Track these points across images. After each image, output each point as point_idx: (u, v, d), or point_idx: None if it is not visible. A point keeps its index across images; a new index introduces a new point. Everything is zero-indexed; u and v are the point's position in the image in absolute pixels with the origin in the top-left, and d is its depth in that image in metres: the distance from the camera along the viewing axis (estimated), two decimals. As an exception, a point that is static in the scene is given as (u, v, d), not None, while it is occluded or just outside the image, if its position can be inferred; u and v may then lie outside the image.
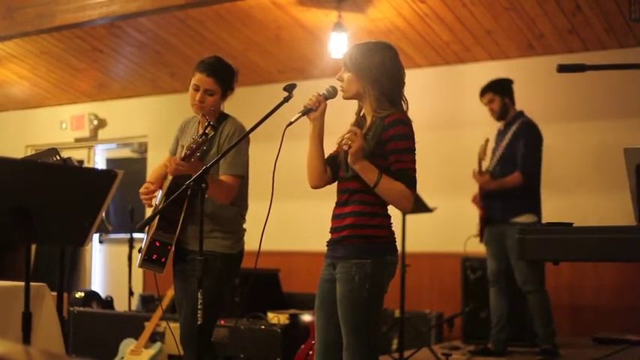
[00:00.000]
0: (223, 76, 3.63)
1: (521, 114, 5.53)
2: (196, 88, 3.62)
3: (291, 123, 2.96)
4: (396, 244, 3.05)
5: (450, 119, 7.13)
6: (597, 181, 6.48)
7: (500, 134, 5.55)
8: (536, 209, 5.37)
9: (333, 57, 6.60)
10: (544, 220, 5.28)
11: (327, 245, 3.10)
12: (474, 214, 6.19)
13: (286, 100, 3.11)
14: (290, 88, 3.12)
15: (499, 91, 5.54)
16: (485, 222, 5.48)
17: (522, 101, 5.84)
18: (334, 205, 3.11)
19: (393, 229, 3.05)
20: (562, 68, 2.68)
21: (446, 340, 6.24)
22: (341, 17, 6.41)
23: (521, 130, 5.40)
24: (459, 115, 7.10)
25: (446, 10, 6.19)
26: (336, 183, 3.13)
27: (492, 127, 6.61)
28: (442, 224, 6.61)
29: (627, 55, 6.31)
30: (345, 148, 2.95)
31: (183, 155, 3.29)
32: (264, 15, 6.63)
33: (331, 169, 3.14)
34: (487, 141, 5.45)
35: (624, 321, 6.13)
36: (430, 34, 6.62)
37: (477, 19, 6.28)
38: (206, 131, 3.23)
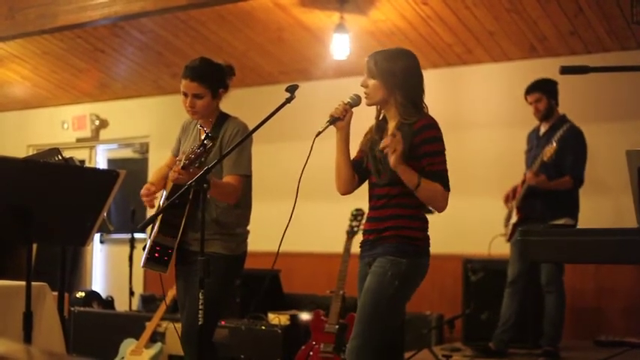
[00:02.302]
0: (208, 77, 3.62)
1: (565, 118, 5.48)
2: (185, 95, 3.64)
3: (319, 133, 3.01)
4: (430, 248, 3.11)
5: (452, 121, 7.09)
6: (597, 182, 6.47)
7: (544, 136, 5.47)
8: (574, 213, 5.35)
9: (335, 58, 6.60)
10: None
11: (362, 246, 3.16)
12: (475, 215, 6.19)
13: (288, 101, 3.11)
14: (292, 89, 3.13)
15: (547, 92, 5.50)
16: (520, 222, 5.45)
17: (523, 103, 5.83)
18: (368, 208, 3.18)
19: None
20: (565, 70, 2.68)
21: (446, 342, 6.23)
22: (343, 19, 6.41)
23: (570, 136, 5.33)
24: (461, 117, 7.09)
25: (448, 12, 6.19)
26: (368, 188, 3.19)
27: (494, 129, 6.61)
28: (443, 226, 6.54)
29: (629, 58, 6.31)
30: (390, 152, 2.96)
31: (182, 165, 3.28)
32: (266, 16, 6.63)
33: (358, 174, 3.20)
34: (554, 147, 5.18)
35: (625, 323, 6.12)
36: (432, 35, 6.62)
37: (479, 21, 6.28)
38: (204, 142, 3.22)
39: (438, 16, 6.29)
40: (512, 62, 6.87)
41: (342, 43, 6.42)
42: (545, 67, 6.56)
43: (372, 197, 3.15)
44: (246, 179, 3.61)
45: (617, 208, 6.23)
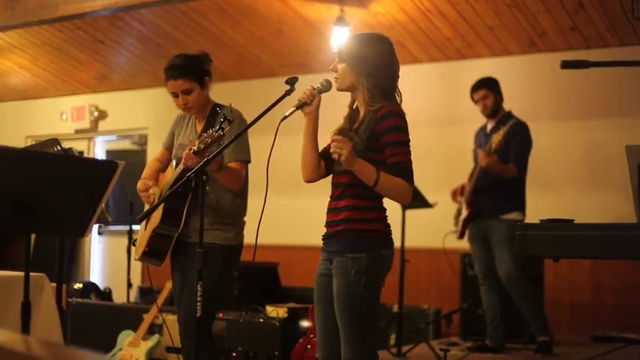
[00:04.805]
0: (191, 70, 3.63)
1: (511, 114, 5.53)
2: (175, 95, 3.65)
3: (285, 117, 2.92)
4: (392, 237, 3.03)
5: (450, 115, 7.12)
6: (597, 179, 6.48)
7: (491, 133, 5.51)
8: (523, 208, 5.44)
9: (335, 51, 6.59)
10: (529, 218, 5.35)
11: (323, 239, 3.08)
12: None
13: (288, 93, 3.09)
14: (292, 82, 3.11)
15: (493, 88, 5.57)
16: (470, 218, 5.50)
17: (523, 98, 5.84)
18: (329, 198, 3.10)
19: (389, 222, 3.04)
20: (565, 64, 2.68)
21: (444, 336, 6.25)
22: (343, 11, 6.40)
23: (516, 130, 5.38)
24: (460, 111, 7.08)
25: (448, 5, 6.18)
26: (331, 176, 3.10)
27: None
28: (442, 220, 6.60)
29: (629, 53, 6.31)
30: (336, 157, 2.90)
31: (196, 148, 3.27)
32: (266, 9, 6.62)
33: (325, 162, 3.11)
34: (503, 130, 5.32)
35: (622, 319, 6.13)
36: (432, 29, 6.60)
37: (479, 15, 6.27)
38: (222, 125, 3.20)
39: (437, 10, 6.28)
40: (511, 57, 6.87)
41: (342, 36, 6.40)
42: (545, 62, 6.57)
43: (332, 186, 3.08)
44: (247, 165, 3.63)
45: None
